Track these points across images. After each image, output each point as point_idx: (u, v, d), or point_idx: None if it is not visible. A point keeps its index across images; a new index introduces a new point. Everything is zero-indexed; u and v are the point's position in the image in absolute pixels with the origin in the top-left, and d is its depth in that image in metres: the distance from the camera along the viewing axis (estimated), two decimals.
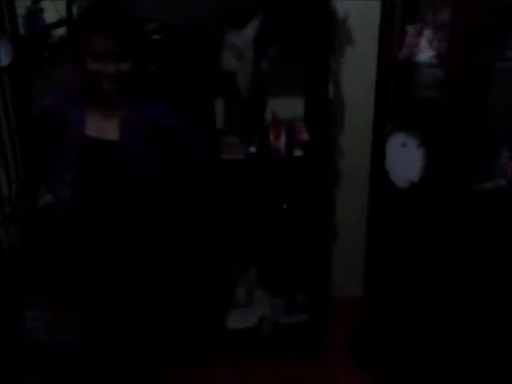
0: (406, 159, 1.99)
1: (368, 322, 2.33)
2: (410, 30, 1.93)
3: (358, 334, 2.40)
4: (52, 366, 2.31)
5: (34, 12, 2.18)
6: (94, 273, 1.83)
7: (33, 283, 2.39)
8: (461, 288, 1.93)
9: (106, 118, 1.72)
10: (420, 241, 2.00)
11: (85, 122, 1.70)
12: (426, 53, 1.87)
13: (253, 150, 2.29)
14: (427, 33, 1.87)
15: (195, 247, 2.30)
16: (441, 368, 2.02)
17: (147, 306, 1.94)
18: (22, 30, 2.23)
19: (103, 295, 1.86)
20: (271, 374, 2.33)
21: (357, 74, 2.46)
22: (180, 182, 1.90)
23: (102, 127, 1.72)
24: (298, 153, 2.27)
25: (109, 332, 1.92)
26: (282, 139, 2.26)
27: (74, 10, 2.23)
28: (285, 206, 2.38)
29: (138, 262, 1.85)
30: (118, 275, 1.84)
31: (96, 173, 1.73)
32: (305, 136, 2.27)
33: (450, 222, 1.87)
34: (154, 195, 1.81)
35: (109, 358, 1.98)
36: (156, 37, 2.11)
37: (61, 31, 2.24)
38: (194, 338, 2.41)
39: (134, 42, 1.67)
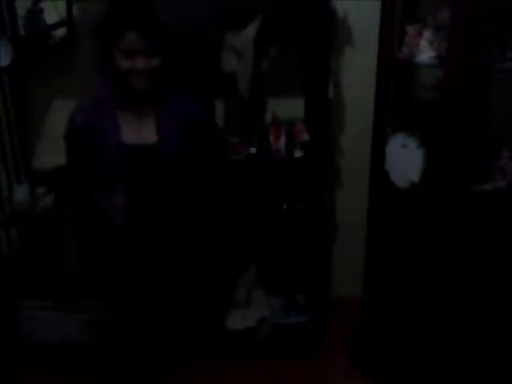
0: (406, 160, 1.99)
1: (368, 322, 2.33)
2: (410, 30, 1.92)
3: (357, 334, 2.40)
4: (52, 365, 2.32)
5: (35, 12, 2.18)
6: (128, 275, 1.84)
7: (33, 284, 2.40)
8: (461, 288, 1.93)
9: (141, 119, 1.69)
10: (420, 241, 2.00)
11: (120, 130, 1.64)
12: (426, 53, 1.86)
13: (253, 150, 2.28)
14: (427, 33, 1.86)
15: (195, 247, 2.29)
16: (441, 368, 2.03)
17: (153, 305, 1.96)
18: (22, 31, 2.24)
19: (133, 298, 1.87)
20: (271, 374, 2.33)
21: (357, 74, 2.45)
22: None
23: (139, 130, 1.68)
24: (298, 153, 2.26)
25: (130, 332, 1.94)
26: (282, 140, 2.26)
27: (75, 11, 2.24)
28: (285, 206, 2.38)
29: (166, 263, 1.90)
30: (151, 277, 1.87)
31: (140, 177, 1.70)
32: (305, 136, 2.26)
33: (450, 223, 1.87)
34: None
35: (115, 358, 1.99)
36: None
37: (61, 32, 2.25)
38: (193, 339, 2.41)
39: (161, 36, 1.63)
